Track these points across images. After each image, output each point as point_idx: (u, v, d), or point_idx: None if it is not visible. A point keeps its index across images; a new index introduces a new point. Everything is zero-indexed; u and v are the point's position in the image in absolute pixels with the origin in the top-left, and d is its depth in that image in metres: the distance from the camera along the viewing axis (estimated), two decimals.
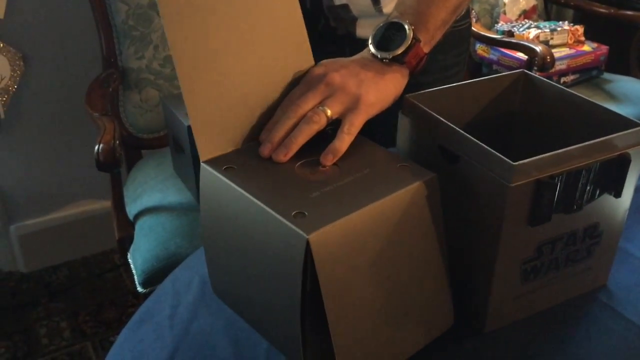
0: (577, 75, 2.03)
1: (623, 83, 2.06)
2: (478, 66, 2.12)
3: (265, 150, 0.63)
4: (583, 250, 0.67)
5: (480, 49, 2.09)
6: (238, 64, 0.65)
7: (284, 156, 0.63)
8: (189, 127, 1.28)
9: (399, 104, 0.71)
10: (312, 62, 0.71)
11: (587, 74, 2.06)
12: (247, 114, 0.66)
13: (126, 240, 1.35)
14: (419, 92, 0.69)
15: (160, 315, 0.69)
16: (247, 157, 0.64)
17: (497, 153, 0.57)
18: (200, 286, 0.72)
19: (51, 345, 1.67)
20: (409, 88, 0.72)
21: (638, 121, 0.65)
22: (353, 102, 0.66)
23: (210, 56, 0.63)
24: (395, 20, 0.72)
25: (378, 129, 0.74)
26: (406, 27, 0.70)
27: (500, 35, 2.02)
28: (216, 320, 0.68)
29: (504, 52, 1.99)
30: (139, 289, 1.25)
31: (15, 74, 1.65)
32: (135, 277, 1.27)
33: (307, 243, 0.51)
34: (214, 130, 0.63)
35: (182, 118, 1.32)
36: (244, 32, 0.65)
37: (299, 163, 0.63)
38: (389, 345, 0.60)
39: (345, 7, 0.97)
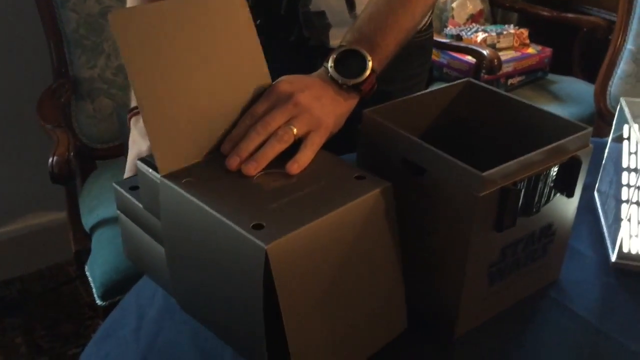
0: (522, 77, 2.10)
1: (567, 84, 2.14)
2: (429, 70, 2.17)
3: (233, 163, 0.64)
4: (539, 249, 0.70)
5: None
6: (194, 81, 0.66)
7: (254, 170, 0.64)
8: None
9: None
10: (269, 78, 0.72)
11: (533, 75, 2.13)
12: (205, 128, 0.67)
13: (83, 253, 1.34)
14: (376, 106, 0.71)
15: (125, 330, 0.69)
16: (206, 170, 0.64)
17: (464, 164, 0.60)
18: (164, 298, 0.72)
19: None
20: (375, 97, 0.75)
21: (581, 124, 0.69)
22: (316, 124, 0.69)
23: (166, 74, 0.64)
24: (356, 49, 0.76)
25: (339, 133, 0.76)
26: (367, 58, 0.75)
27: (449, 39, 2.08)
28: (182, 331, 0.68)
29: (454, 56, 2.04)
30: (98, 301, 1.24)
31: None
32: (94, 289, 1.26)
33: (266, 253, 0.53)
34: (173, 145, 0.64)
35: None
36: (199, 51, 0.67)
37: (257, 175, 0.64)
38: (344, 348, 0.62)
39: (321, 14, 0.99)
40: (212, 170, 0.65)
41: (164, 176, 0.63)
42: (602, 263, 0.80)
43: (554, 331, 0.69)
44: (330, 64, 0.75)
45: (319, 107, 0.70)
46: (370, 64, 0.75)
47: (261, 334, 0.58)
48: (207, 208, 0.58)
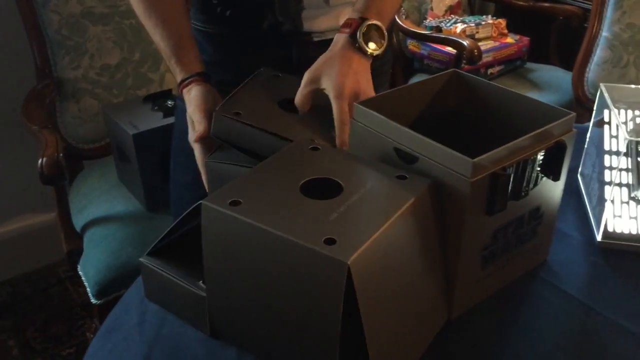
0: (502, 66, 2.14)
1: (545, 72, 2.18)
2: (410, 61, 2.20)
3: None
4: (529, 231, 0.73)
5: (411, 44, 2.16)
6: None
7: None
8: (134, 136, 1.29)
9: None
10: None
11: (512, 64, 2.17)
12: None
13: (75, 253, 1.34)
14: (367, 98, 0.74)
15: (129, 324, 0.71)
16: (247, 188, 0.63)
17: (455, 152, 0.62)
18: None
19: None
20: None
21: (564, 110, 0.72)
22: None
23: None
24: (379, 25, 0.88)
25: None
26: (385, 32, 0.88)
27: (429, 30, 2.10)
28: (185, 323, 0.70)
29: (434, 47, 2.07)
30: (93, 300, 1.25)
31: None
32: (88, 288, 1.27)
33: (348, 268, 0.53)
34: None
35: (126, 127, 1.31)
36: None
37: (301, 183, 0.64)
38: (411, 342, 0.64)
39: None
40: (253, 188, 0.63)
41: (206, 200, 0.60)
42: (588, 243, 0.83)
43: (546, 310, 0.72)
44: (359, 36, 0.86)
45: (370, 86, 0.87)
46: (386, 36, 0.88)
47: (335, 348, 0.57)
48: (268, 229, 0.56)
